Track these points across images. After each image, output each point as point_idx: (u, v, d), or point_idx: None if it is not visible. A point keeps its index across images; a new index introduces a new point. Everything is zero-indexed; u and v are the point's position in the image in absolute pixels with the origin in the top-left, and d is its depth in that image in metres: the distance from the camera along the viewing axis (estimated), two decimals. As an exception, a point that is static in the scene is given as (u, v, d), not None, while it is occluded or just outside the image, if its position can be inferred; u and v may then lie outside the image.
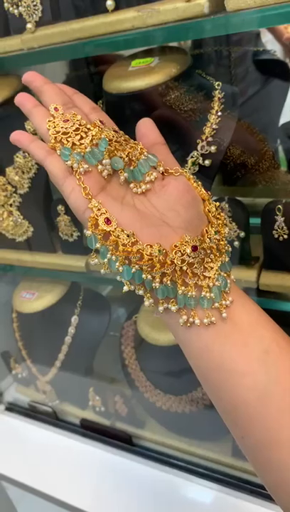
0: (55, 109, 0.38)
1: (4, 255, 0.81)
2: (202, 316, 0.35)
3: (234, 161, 0.69)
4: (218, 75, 0.63)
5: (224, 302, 0.35)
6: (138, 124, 0.40)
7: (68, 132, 0.37)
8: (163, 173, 0.38)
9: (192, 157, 0.55)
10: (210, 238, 0.35)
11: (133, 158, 0.37)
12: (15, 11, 0.58)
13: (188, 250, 0.34)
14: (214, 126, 0.55)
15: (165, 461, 0.82)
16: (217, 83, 0.56)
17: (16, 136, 0.39)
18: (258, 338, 0.34)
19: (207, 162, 0.54)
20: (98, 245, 0.35)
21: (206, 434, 0.79)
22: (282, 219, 0.54)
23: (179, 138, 0.55)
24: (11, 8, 0.58)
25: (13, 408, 1.03)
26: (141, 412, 0.87)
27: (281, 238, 0.55)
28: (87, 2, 0.54)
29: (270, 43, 0.73)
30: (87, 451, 0.88)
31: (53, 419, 0.96)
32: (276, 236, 0.56)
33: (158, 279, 0.35)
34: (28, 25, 0.57)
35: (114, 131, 0.38)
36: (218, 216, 0.38)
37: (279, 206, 0.54)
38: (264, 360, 0.33)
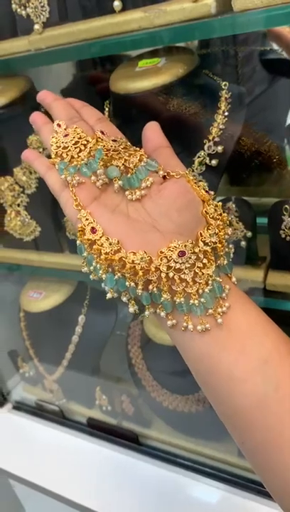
0: (58, 125, 0.41)
1: (12, 255, 0.81)
2: (196, 323, 0.34)
3: (242, 160, 0.69)
4: (225, 75, 0.64)
5: (219, 309, 0.34)
6: (144, 129, 0.41)
7: (67, 146, 0.39)
8: (164, 177, 0.37)
9: (199, 157, 0.55)
10: (204, 241, 0.34)
11: (131, 165, 0.37)
12: (23, 12, 0.58)
13: (174, 256, 0.33)
14: (221, 127, 0.55)
15: (171, 461, 0.82)
16: (223, 83, 0.56)
17: (25, 153, 0.44)
18: (257, 345, 0.33)
19: (213, 162, 0.54)
20: (85, 254, 0.36)
21: (212, 434, 0.79)
22: (289, 219, 0.54)
23: (186, 138, 0.56)
24: (18, 10, 0.59)
25: (20, 407, 1.03)
26: (147, 412, 0.87)
27: (288, 238, 0.55)
28: (93, 3, 0.54)
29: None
30: (93, 450, 0.89)
31: (60, 418, 0.96)
32: (283, 236, 0.56)
33: (141, 286, 0.34)
34: (36, 26, 0.58)
35: (113, 140, 0.39)
36: (218, 217, 0.36)
37: (286, 206, 0.54)
38: (263, 369, 0.32)
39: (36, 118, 0.44)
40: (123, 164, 0.37)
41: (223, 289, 0.34)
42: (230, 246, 0.38)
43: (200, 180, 0.56)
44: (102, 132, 0.40)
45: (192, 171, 0.55)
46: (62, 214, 0.72)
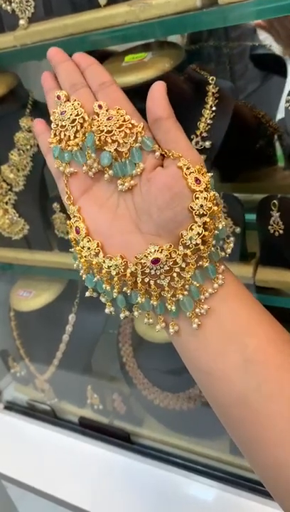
0: (58, 97, 0.38)
1: (1, 253, 0.80)
2: (169, 324, 0.34)
3: (230, 156, 0.69)
4: (214, 70, 0.63)
5: (197, 310, 0.33)
6: (148, 94, 0.36)
7: (65, 125, 0.37)
8: (164, 157, 0.35)
9: (186, 153, 0.54)
10: (184, 244, 0.33)
11: (125, 149, 0.35)
12: (8, 8, 0.58)
13: (148, 263, 0.33)
14: (208, 122, 0.54)
15: (163, 459, 0.82)
16: (211, 78, 0.56)
17: (35, 124, 0.41)
18: (240, 345, 0.32)
19: (202, 157, 0.54)
20: (72, 250, 0.37)
21: (204, 432, 0.79)
22: (278, 214, 0.54)
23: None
24: (3, 5, 0.58)
25: (11, 407, 1.02)
26: (139, 410, 0.87)
27: (276, 233, 0.55)
28: (79, -3, 0.53)
29: (268, 39, 0.73)
30: (85, 449, 0.88)
31: (52, 418, 0.96)
32: (272, 231, 0.55)
33: (116, 290, 0.35)
34: (21, 22, 0.57)
35: (108, 118, 0.36)
36: (206, 212, 0.33)
37: (275, 201, 0.54)
38: (244, 369, 0.32)
39: (45, 80, 0.41)
40: (115, 150, 0.35)
41: (201, 291, 0.33)
42: (229, 240, 0.37)
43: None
44: (100, 106, 0.37)
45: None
46: (50, 212, 0.72)
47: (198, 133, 0.54)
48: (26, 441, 0.95)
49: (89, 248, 0.35)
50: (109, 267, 0.34)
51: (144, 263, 0.33)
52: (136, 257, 0.33)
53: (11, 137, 0.70)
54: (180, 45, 0.65)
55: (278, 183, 0.75)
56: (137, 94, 0.54)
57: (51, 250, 0.76)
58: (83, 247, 0.35)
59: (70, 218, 0.37)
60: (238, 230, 0.57)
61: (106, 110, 0.36)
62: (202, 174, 0.34)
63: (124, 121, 0.36)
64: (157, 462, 0.82)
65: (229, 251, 0.36)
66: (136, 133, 0.35)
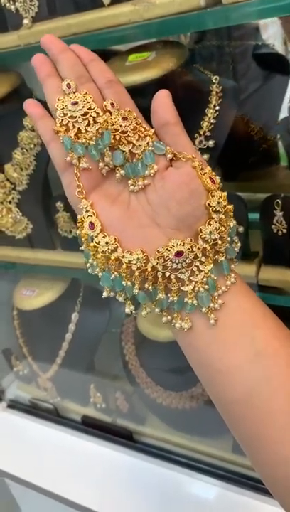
0: (68, 85, 0.37)
1: (4, 252, 0.81)
2: (184, 320, 0.34)
3: (234, 156, 0.69)
4: (217, 69, 0.63)
5: (211, 305, 0.33)
6: (153, 100, 0.36)
7: (76, 116, 0.36)
8: (171, 160, 0.35)
9: (190, 152, 0.55)
10: (203, 239, 0.33)
11: (139, 151, 0.35)
12: (12, 7, 0.58)
13: (171, 256, 0.33)
14: (212, 121, 0.54)
15: (166, 457, 0.82)
16: (214, 77, 0.56)
17: (29, 107, 0.38)
18: (249, 339, 0.32)
19: (205, 157, 0.54)
20: (83, 247, 0.35)
21: (207, 430, 0.79)
22: (281, 213, 0.54)
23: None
24: (7, 4, 0.58)
25: (14, 405, 1.03)
26: (142, 409, 0.87)
27: (280, 233, 0.55)
28: (83, -3, 0.53)
29: (271, 39, 0.73)
30: (88, 447, 0.88)
31: (54, 416, 0.96)
32: (275, 230, 0.55)
33: (137, 286, 0.34)
34: (25, 21, 0.57)
35: (123, 118, 0.36)
36: (222, 210, 0.34)
37: (278, 200, 0.54)
38: (254, 362, 0.32)
39: (40, 64, 0.39)
40: (129, 150, 0.35)
41: (217, 287, 0.34)
42: (236, 239, 0.36)
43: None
44: (112, 104, 0.36)
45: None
46: (54, 211, 0.72)
47: (202, 132, 0.54)
48: (29, 439, 0.95)
49: (107, 243, 0.34)
50: (129, 262, 0.33)
51: (167, 256, 0.33)
52: (158, 250, 0.33)
53: (14, 136, 0.70)
54: (184, 44, 0.65)
55: (281, 182, 0.75)
56: (141, 94, 0.54)
57: (54, 249, 0.76)
58: (99, 243, 0.34)
59: (74, 217, 0.37)
60: (241, 229, 0.57)
61: (118, 109, 0.36)
62: (215, 176, 0.35)
63: (137, 124, 0.36)
64: (159, 461, 0.82)
65: (237, 250, 0.36)
66: (149, 137, 0.35)
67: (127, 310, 0.35)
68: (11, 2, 0.58)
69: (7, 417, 1.01)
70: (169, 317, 0.35)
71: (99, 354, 0.90)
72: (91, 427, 0.91)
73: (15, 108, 0.71)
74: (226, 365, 0.33)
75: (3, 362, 1.03)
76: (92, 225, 0.34)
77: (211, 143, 0.54)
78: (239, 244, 0.37)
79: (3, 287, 0.99)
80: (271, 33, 0.73)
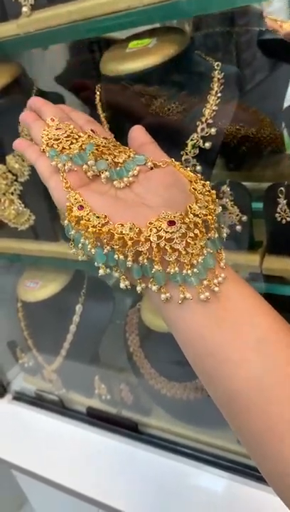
0: (52, 119, 0.41)
1: (7, 244, 0.80)
2: (194, 293, 0.33)
3: (237, 144, 0.68)
4: (219, 55, 0.62)
5: (215, 280, 0.33)
6: (129, 132, 0.41)
7: (59, 138, 0.39)
8: (151, 168, 0.37)
9: (192, 140, 0.54)
10: (194, 213, 0.34)
11: (120, 160, 0.38)
12: (11, -5, 0.57)
13: (164, 226, 0.33)
14: (214, 108, 0.53)
15: (171, 449, 0.82)
16: (216, 63, 0.55)
17: (17, 143, 0.44)
18: (254, 326, 0.32)
19: (207, 145, 0.53)
20: (72, 232, 0.35)
21: (211, 421, 0.79)
22: (285, 201, 0.53)
23: (178, 120, 0.54)
24: (6, -8, 0.58)
25: (20, 397, 1.03)
26: (146, 400, 0.87)
27: (284, 221, 0.54)
28: (82, -17, 0.52)
29: (275, 13, 0.71)
30: (93, 439, 0.89)
31: (60, 408, 0.97)
32: (279, 219, 0.55)
33: (130, 258, 0.33)
34: (24, 9, 0.57)
35: (103, 138, 0.40)
36: (207, 193, 0.36)
37: (282, 188, 0.53)
38: (260, 350, 0.31)
39: (26, 116, 0.44)
40: (112, 160, 0.38)
41: (217, 260, 0.34)
42: (222, 225, 0.37)
43: (194, 165, 0.55)
44: (93, 131, 0.40)
45: (186, 154, 0.54)
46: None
47: (203, 119, 0.53)
48: (35, 431, 0.96)
49: (98, 217, 0.34)
50: (121, 233, 0.33)
51: (159, 226, 0.33)
52: (150, 222, 0.33)
53: (15, 127, 0.69)
54: (186, 31, 0.64)
55: (285, 170, 0.74)
56: (142, 81, 0.53)
57: (57, 241, 0.76)
58: (89, 220, 0.34)
59: None
60: (245, 218, 0.57)
61: (98, 136, 0.40)
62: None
63: (116, 144, 0.40)
64: (164, 452, 0.82)
65: (224, 235, 0.37)
66: (129, 151, 0.39)
67: (122, 285, 0.35)
68: (10, -10, 0.57)
69: (13, 409, 1.02)
70: (168, 294, 0.33)
71: (104, 346, 0.90)
72: (96, 418, 0.91)
73: (16, 99, 0.70)
74: (229, 353, 0.32)
75: (8, 354, 1.03)
76: (81, 207, 0.35)
77: (213, 130, 0.53)
78: (224, 230, 0.37)
79: (7, 280, 0.99)
80: (276, 7, 0.72)
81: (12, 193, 0.74)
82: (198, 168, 0.54)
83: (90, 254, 0.35)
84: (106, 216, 0.34)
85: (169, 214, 0.33)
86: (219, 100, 0.53)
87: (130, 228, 0.33)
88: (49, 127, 0.40)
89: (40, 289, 0.86)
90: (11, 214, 0.75)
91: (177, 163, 0.38)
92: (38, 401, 1.00)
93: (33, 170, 0.71)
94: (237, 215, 0.57)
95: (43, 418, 0.97)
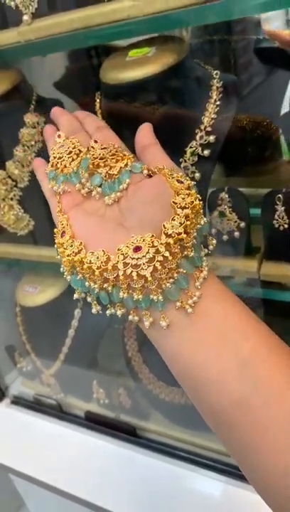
0: (58, 136, 0.44)
1: (6, 249, 0.81)
2: (157, 318, 0.33)
3: (235, 151, 0.69)
4: (218, 64, 0.63)
5: (190, 300, 0.32)
6: (137, 132, 0.42)
7: (62, 156, 0.41)
8: (149, 175, 0.38)
9: (191, 147, 0.54)
10: (166, 234, 0.33)
11: (115, 171, 0.38)
12: (12, 3, 0.58)
13: (130, 252, 0.33)
14: (213, 116, 0.54)
15: (169, 453, 0.82)
16: (215, 72, 0.55)
17: (35, 162, 0.46)
18: (235, 348, 0.31)
19: (206, 152, 0.54)
20: (58, 256, 0.38)
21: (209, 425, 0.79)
22: (282, 208, 0.54)
23: (177, 128, 0.55)
24: (7, 1, 0.58)
25: (18, 402, 1.03)
26: (145, 404, 0.87)
27: (281, 228, 0.55)
28: (83, -8, 0.53)
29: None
30: (91, 443, 0.89)
31: (58, 412, 0.96)
32: (276, 226, 0.55)
33: (97, 286, 0.34)
34: (25, 17, 0.57)
35: (102, 148, 0.40)
36: (187, 205, 0.34)
37: (279, 196, 0.54)
38: (241, 373, 0.30)
39: (46, 130, 0.46)
40: (107, 172, 0.38)
41: (194, 277, 0.33)
42: (211, 238, 0.36)
43: (193, 172, 0.55)
44: (96, 141, 0.41)
45: (185, 161, 0.55)
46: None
47: (202, 127, 0.54)
48: (33, 435, 0.96)
49: (72, 246, 0.36)
50: (90, 262, 0.34)
51: (126, 253, 0.33)
52: (118, 248, 0.33)
53: (15, 133, 0.70)
54: (184, 39, 0.65)
55: (283, 177, 0.75)
56: (141, 89, 0.54)
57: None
58: (66, 248, 0.36)
59: None
60: (243, 224, 0.57)
61: (101, 145, 0.41)
62: (185, 178, 0.37)
63: (116, 152, 0.40)
64: (163, 456, 0.82)
65: (211, 247, 0.36)
66: (127, 159, 0.39)
67: (94, 310, 0.36)
68: (11, -2, 0.58)
69: (11, 413, 1.02)
70: (136, 317, 0.34)
71: (102, 350, 0.90)
72: (94, 422, 0.91)
73: (16, 105, 0.71)
74: (209, 376, 0.31)
75: (6, 358, 1.03)
76: (63, 234, 0.37)
77: (212, 138, 0.53)
78: (213, 241, 0.37)
79: (6, 284, 0.99)
80: (275, 27, 0.73)
81: (12, 199, 0.74)
82: (197, 175, 0.55)
83: (68, 280, 0.37)
84: (81, 243, 0.35)
85: (137, 239, 0.33)
86: (218, 108, 0.54)
87: (97, 257, 0.34)
88: (56, 144, 0.43)
89: (38, 293, 0.86)
90: (11, 219, 0.75)
91: (167, 169, 0.37)
92: (36, 405, 1.00)
93: (32, 176, 0.71)
94: (235, 221, 0.58)
95: (41, 422, 0.97)
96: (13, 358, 1.02)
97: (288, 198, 0.53)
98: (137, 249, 0.33)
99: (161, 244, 0.33)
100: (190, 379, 0.33)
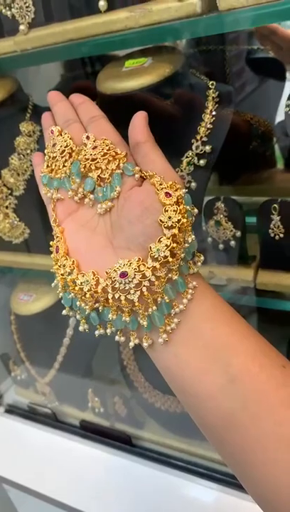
0: (51, 131, 0.42)
1: (1, 257, 0.80)
2: (142, 339, 0.34)
3: (230, 160, 0.69)
4: (214, 74, 0.63)
5: (168, 327, 0.33)
6: (130, 124, 0.39)
7: (56, 156, 0.40)
8: (142, 178, 0.37)
9: (187, 157, 0.55)
10: (152, 257, 0.33)
11: (106, 175, 0.37)
12: (8, 13, 0.58)
13: (117, 278, 0.33)
14: (208, 126, 0.54)
15: (165, 462, 0.82)
16: (211, 82, 0.56)
17: (35, 156, 0.45)
18: (223, 365, 0.31)
19: (202, 162, 0.54)
20: (52, 270, 0.38)
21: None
22: (278, 218, 0.54)
23: (173, 138, 0.55)
24: (3, 10, 0.58)
25: (12, 410, 1.03)
26: (140, 413, 0.87)
27: (277, 237, 0.55)
28: (79, 3, 0.53)
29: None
30: (86, 452, 0.88)
31: (53, 421, 0.96)
32: (272, 235, 0.56)
33: (88, 307, 0.35)
34: (21, 27, 0.57)
35: (93, 147, 0.39)
36: (173, 225, 0.33)
37: (275, 205, 0.54)
38: (229, 389, 0.31)
39: (44, 119, 0.45)
40: (98, 176, 0.38)
41: (172, 306, 0.33)
42: (198, 254, 0.36)
43: (189, 181, 0.55)
44: (88, 137, 0.40)
45: (181, 171, 0.55)
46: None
47: (198, 137, 0.54)
48: (27, 444, 0.95)
49: (64, 266, 0.36)
50: (81, 284, 0.34)
51: (114, 278, 0.33)
52: (106, 272, 0.34)
53: (11, 142, 0.70)
54: (180, 49, 0.65)
55: (277, 185, 0.75)
56: (138, 100, 0.54)
57: (51, 254, 0.76)
58: (60, 266, 0.36)
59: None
60: (238, 233, 0.58)
61: (94, 141, 0.39)
62: (175, 190, 0.35)
63: (108, 149, 0.38)
64: (158, 465, 0.82)
65: (199, 264, 0.36)
66: (119, 159, 0.38)
67: (81, 328, 0.37)
68: (7, 8, 0.58)
69: (5, 422, 1.01)
70: (122, 338, 0.35)
71: (97, 359, 0.90)
72: (89, 431, 0.91)
73: (11, 113, 0.71)
74: (198, 392, 0.32)
75: (1, 367, 1.03)
76: (57, 249, 0.37)
77: (208, 148, 0.54)
78: (201, 258, 0.36)
79: (0, 292, 0.98)
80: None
81: (7, 207, 0.74)
82: (193, 184, 0.55)
83: (60, 296, 0.37)
84: (73, 263, 0.36)
85: (125, 263, 0.33)
86: (213, 119, 0.54)
87: (87, 281, 0.34)
88: (50, 141, 0.42)
89: (33, 302, 0.86)
90: (6, 228, 0.75)
91: (157, 178, 0.35)
92: (30, 414, 0.99)
93: (28, 184, 0.71)
94: (231, 230, 0.58)
95: (35, 431, 0.96)
96: (7, 366, 1.02)
97: (284, 207, 0.53)
98: (123, 275, 0.33)
99: (148, 268, 0.33)
100: (181, 392, 0.34)
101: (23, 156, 0.69)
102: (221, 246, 0.59)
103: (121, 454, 0.85)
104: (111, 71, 0.57)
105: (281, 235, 0.55)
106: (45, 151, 0.42)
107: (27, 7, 0.56)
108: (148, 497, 0.78)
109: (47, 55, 0.58)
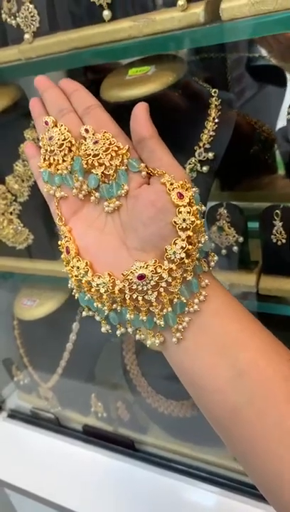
0: (46, 122, 0.39)
1: (4, 263, 0.81)
2: (156, 336, 0.35)
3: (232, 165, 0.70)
4: (216, 82, 0.64)
5: (180, 326, 0.34)
6: (131, 116, 0.38)
7: (53, 150, 0.38)
8: (150, 176, 0.36)
9: (190, 164, 0.55)
10: (168, 259, 0.33)
11: (111, 171, 0.36)
12: (13, 22, 0.59)
13: (135, 280, 0.33)
14: (211, 133, 0.55)
15: (168, 466, 0.82)
16: (213, 90, 0.56)
17: (26, 147, 0.42)
18: (232, 359, 0.32)
19: (205, 169, 0.55)
20: (64, 270, 0.38)
21: (208, 439, 0.79)
22: (280, 224, 0.55)
23: (177, 145, 0.56)
24: (8, 19, 0.59)
25: (15, 415, 1.03)
26: (143, 418, 0.87)
27: (279, 243, 0.56)
28: (84, 12, 0.54)
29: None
30: (89, 457, 0.88)
31: (56, 426, 0.96)
32: (274, 241, 0.56)
33: (106, 308, 0.35)
34: (26, 36, 0.58)
35: (94, 142, 0.37)
36: (189, 226, 0.33)
37: (277, 211, 0.55)
38: (236, 383, 0.32)
39: (33, 106, 0.42)
40: (102, 172, 0.36)
41: (187, 305, 0.34)
42: (212, 254, 0.37)
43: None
44: (86, 130, 0.38)
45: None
46: (54, 222, 0.72)
47: (201, 144, 0.55)
48: (30, 449, 0.95)
49: (78, 267, 0.35)
50: (97, 285, 0.34)
51: (131, 279, 0.33)
52: (122, 273, 0.34)
53: (15, 148, 0.70)
54: (183, 58, 0.66)
55: (279, 191, 0.76)
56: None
57: (55, 259, 0.76)
58: (73, 267, 0.36)
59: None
60: (241, 239, 0.58)
61: (93, 134, 0.37)
62: (186, 189, 0.35)
63: (110, 144, 0.37)
64: (161, 469, 0.82)
65: (213, 264, 0.36)
66: (122, 155, 0.36)
67: (103, 329, 0.37)
68: (12, 17, 0.59)
69: (8, 426, 1.01)
70: (143, 336, 0.36)
71: (100, 363, 0.90)
72: (92, 436, 0.91)
73: (16, 120, 0.72)
74: (206, 385, 0.33)
75: (3, 372, 1.03)
76: (67, 250, 0.37)
77: (211, 155, 0.54)
78: (215, 258, 0.37)
79: (3, 297, 0.99)
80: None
81: (11, 213, 0.74)
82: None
83: (77, 296, 0.37)
84: (86, 264, 0.35)
85: (141, 265, 0.33)
86: (216, 126, 0.55)
87: (104, 283, 0.34)
88: (45, 133, 0.39)
89: (37, 307, 0.86)
90: (10, 233, 0.75)
91: (168, 177, 0.35)
92: (33, 419, 0.99)
93: (32, 191, 0.72)
94: (234, 236, 0.58)
95: (38, 436, 0.96)
96: (10, 371, 1.02)
97: (286, 213, 0.54)
98: (141, 277, 0.33)
99: (164, 270, 0.33)
100: (192, 386, 0.35)
101: (27, 162, 0.70)
102: (223, 251, 0.60)
103: (124, 459, 0.86)
104: (114, 79, 0.58)
105: (283, 241, 0.55)
106: (40, 143, 0.40)
107: (32, 16, 0.57)
108: (151, 501, 0.78)
109: (52, 64, 0.58)
